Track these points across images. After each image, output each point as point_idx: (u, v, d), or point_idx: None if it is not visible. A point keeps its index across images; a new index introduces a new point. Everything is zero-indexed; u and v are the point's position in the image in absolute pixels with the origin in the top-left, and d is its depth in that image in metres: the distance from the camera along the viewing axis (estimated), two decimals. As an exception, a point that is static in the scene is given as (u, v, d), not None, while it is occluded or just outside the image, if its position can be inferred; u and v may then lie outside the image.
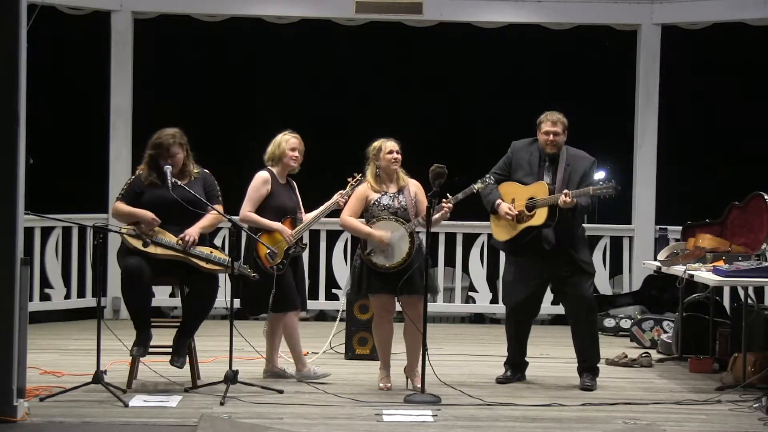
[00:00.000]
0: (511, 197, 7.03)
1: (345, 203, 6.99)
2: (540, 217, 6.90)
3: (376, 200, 6.80)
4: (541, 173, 7.01)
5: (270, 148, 7.09)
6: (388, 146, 6.83)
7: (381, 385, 6.85)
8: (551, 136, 6.98)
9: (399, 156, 6.83)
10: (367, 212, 6.84)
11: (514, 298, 7.18)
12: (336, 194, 7.09)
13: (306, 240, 7.30)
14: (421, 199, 6.80)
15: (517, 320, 7.20)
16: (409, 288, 6.70)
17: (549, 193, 6.88)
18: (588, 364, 7.08)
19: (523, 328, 7.22)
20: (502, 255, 10.03)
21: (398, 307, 6.92)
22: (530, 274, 7.08)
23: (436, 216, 6.70)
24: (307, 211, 7.20)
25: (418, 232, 6.77)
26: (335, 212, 7.15)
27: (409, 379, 6.88)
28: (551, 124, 7.00)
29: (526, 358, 7.28)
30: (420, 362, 6.63)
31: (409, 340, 6.86)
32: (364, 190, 6.85)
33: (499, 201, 7.02)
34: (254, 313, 7.26)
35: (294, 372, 7.07)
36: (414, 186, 6.89)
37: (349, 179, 7.08)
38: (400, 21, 10.34)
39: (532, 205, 6.93)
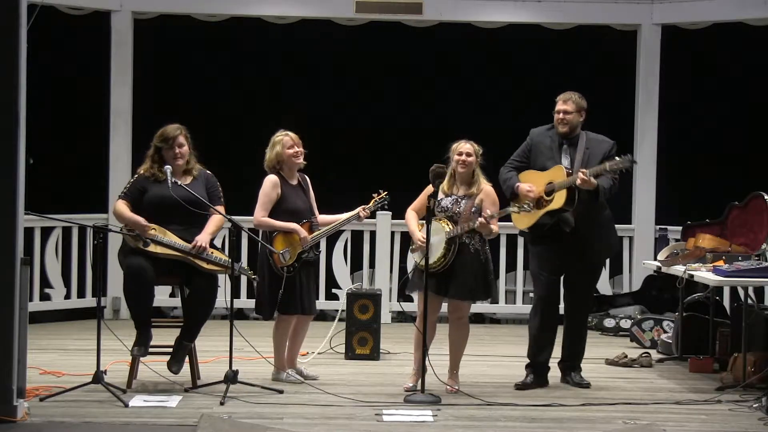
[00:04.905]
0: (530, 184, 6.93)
1: (366, 217, 7.06)
2: (559, 200, 6.77)
3: (439, 200, 6.73)
4: (560, 156, 6.92)
5: (268, 155, 6.98)
6: (458, 147, 6.76)
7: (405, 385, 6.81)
8: (561, 114, 6.95)
9: (468, 159, 6.72)
10: (429, 210, 6.67)
11: (538, 290, 7.08)
12: (359, 208, 7.07)
13: (321, 248, 7.24)
14: (484, 207, 6.66)
15: (542, 313, 7.03)
16: (451, 290, 6.68)
17: (566, 176, 6.79)
18: (576, 362, 7.12)
19: (546, 322, 7.02)
20: (502, 255, 10.07)
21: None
22: (549, 261, 6.98)
23: (494, 228, 6.64)
24: (323, 212, 7.16)
25: (460, 238, 6.65)
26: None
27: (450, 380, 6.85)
28: (562, 102, 6.99)
29: (550, 363, 7.12)
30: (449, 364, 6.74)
31: (449, 340, 6.88)
32: (430, 188, 6.77)
33: (518, 183, 6.89)
34: (268, 316, 7.01)
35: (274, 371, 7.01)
36: (482, 193, 6.75)
37: (374, 195, 7.10)
38: (400, 21, 10.35)
39: (550, 190, 6.82)
